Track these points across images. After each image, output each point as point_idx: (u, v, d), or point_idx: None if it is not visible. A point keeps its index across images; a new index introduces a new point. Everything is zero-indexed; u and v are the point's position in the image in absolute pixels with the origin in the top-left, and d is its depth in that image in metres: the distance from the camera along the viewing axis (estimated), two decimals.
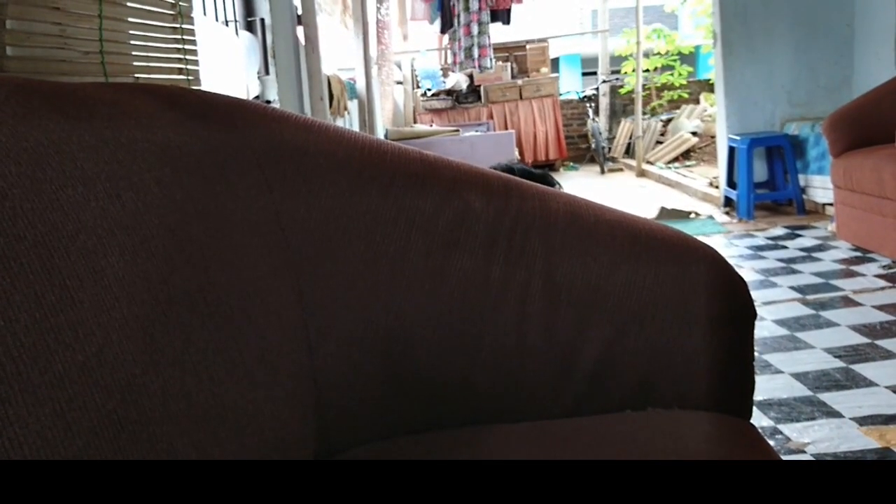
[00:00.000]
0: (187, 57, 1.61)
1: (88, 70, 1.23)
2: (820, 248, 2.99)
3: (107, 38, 1.27)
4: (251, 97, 2.31)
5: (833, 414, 1.52)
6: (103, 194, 0.48)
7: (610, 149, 7.04)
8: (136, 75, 1.39)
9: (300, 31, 2.66)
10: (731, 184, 3.93)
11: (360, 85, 3.97)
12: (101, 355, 0.39)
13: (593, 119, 6.93)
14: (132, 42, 1.40)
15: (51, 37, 1.13)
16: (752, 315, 0.77)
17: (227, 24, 2.16)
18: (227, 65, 2.08)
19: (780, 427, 1.49)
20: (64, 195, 0.44)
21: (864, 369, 1.72)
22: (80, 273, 0.41)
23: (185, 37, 1.59)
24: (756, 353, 1.90)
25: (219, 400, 0.49)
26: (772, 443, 1.43)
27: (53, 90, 0.58)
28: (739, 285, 0.76)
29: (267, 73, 2.43)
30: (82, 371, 0.38)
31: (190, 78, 1.60)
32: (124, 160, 0.53)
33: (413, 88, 6.86)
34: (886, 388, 1.61)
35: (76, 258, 0.41)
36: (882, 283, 2.42)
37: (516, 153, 3.06)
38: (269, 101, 2.38)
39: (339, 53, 4.29)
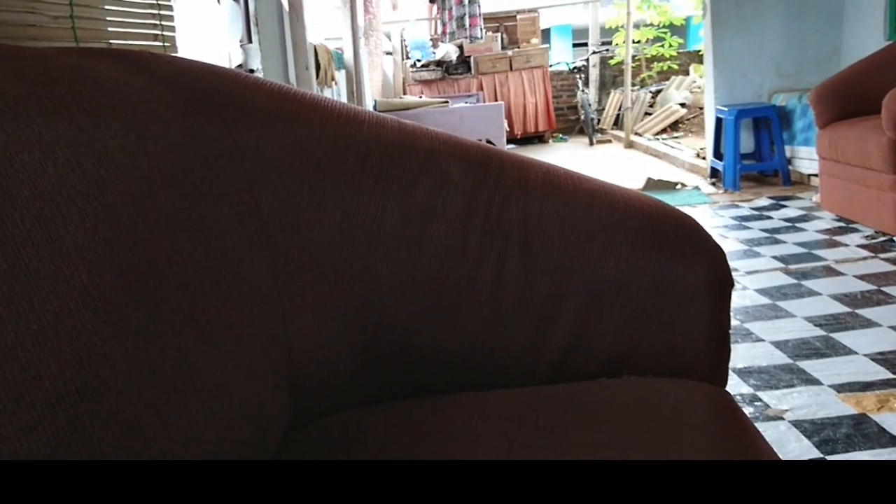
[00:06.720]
0: (163, 23, 1.57)
1: (59, 35, 1.19)
2: (804, 219, 3.01)
3: (78, 2, 1.24)
4: (234, 66, 2.27)
5: (812, 381, 1.54)
6: (62, 161, 0.47)
7: (599, 120, 7.00)
8: (110, 41, 1.36)
9: None
10: (718, 155, 3.93)
11: (348, 55, 3.90)
12: (57, 324, 0.38)
13: (583, 90, 6.88)
14: (105, 7, 1.36)
15: (19, 0, 1.10)
16: (729, 284, 0.77)
17: None
18: (207, 32, 2.03)
19: (760, 394, 1.51)
20: (19, 161, 0.43)
21: (843, 338, 1.75)
22: (36, 241, 0.40)
23: (161, 2, 1.55)
24: (738, 322, 1.92)
25: (186, 370, 0.48)
26: (751, 409, 1.45)
27: (12, 53, 0.56)
28: (717, 254, 0.75)
29: (250, 41, 2.37)
30: (37, 340, 0.37)
31: (166, 45, 1.57)
32: (86, 126, 0.52)
33: (403, 59, 6.76)
34: (864, 356, 1.64)
35: (31, 226, 0.40)
36: (864, 252, 2.44)
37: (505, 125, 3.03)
38: (252, 70, 2.33)
39: (326, 23, 4.21)
